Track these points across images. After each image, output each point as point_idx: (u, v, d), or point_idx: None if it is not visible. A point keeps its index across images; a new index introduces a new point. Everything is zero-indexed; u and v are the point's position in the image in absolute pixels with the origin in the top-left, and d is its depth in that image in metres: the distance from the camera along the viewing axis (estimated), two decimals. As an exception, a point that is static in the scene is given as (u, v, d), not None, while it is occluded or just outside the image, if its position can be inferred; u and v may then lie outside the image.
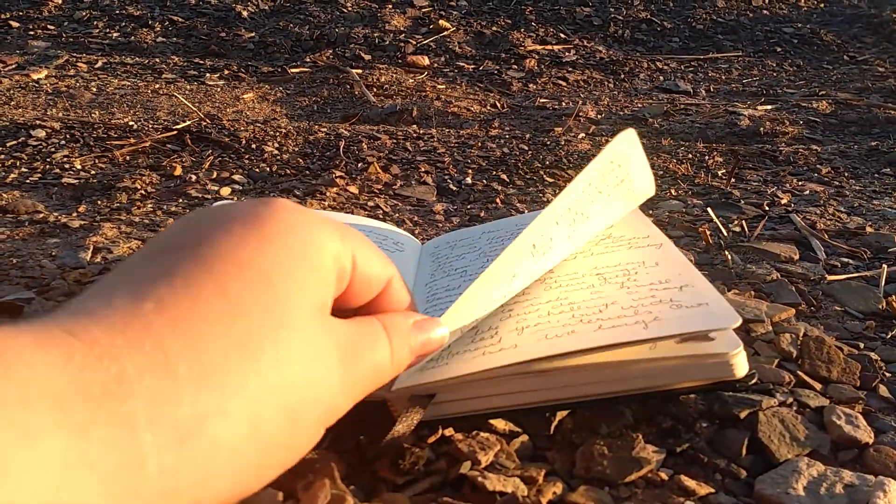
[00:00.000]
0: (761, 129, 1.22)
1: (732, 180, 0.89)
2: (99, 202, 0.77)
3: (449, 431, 0.36)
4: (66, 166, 0.88)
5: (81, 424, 0.18)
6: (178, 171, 0.88)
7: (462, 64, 1.82)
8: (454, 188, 0.86)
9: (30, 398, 0.18)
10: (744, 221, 0.72)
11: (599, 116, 1.37)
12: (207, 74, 1.64)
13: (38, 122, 1.03)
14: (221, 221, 0.25)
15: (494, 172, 0.91)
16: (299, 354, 0.24)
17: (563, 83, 1.71)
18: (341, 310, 0.30)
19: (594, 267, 0.44)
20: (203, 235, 0.25)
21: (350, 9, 2.15)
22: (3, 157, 0.91)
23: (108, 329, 0.21)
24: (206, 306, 0.22)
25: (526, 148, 1.01)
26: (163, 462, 0.20)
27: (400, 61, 1.81)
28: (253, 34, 1.97)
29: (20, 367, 0.18)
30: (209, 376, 0.21)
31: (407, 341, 0.31)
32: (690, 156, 1.00)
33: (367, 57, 1.82)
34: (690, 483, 0.34)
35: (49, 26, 1.94)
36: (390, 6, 2.15)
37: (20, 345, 0.19)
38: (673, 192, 0.86)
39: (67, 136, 0.99)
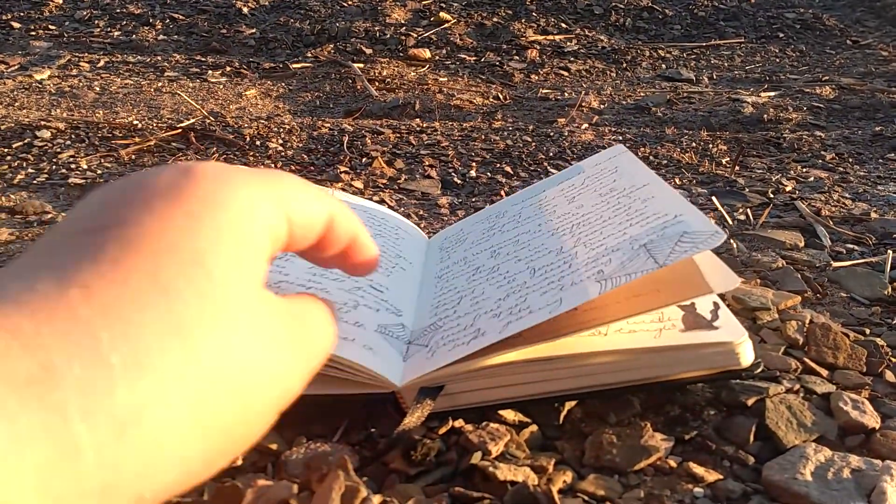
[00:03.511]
0: (765, 115, 1.22)
1: (737, 168, 0.89)
2: (106, 202, 0.78)
3: (459, 423, 0.37)
4: (73, 166, 0.89)
5: (8, 411, 0.17)
6: (184, 169, 0.88)
7: (463, 56, 1.82)
8: (458, 181, 0.86)
9: None
10: (748, 209, 0.72)
11: (602, 106, 1.37)
12: (209, 72, 1.64)
13: (42, 122, 1.04)
14: (142, 197, 0.24)
15: (498, 165, 0.92)
16: (244, 338, 0.23)
17: (566, 73, 1.70)
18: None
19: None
20: (125, 214, 0.23)
21: (350, 3, 2.15)
22: (9, 158, 0.92)
23: (32, 316, 0.19)
24: (138, 292, 0.21)
25: (529, 139, 1.02)
26: (101, 453, 0.19)
27: (401, 55, 1.81)
28: (254, 30, 1.97)
29: None
30: (145, 364, 0.20)
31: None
32: (694, 144, 1.00)
33: (369, 51, 1.82)
34: (699, 470, 0.35)
35: (50, 26, 1.95)
36: (390, -1, 2.15)
37: None
38: (677, 180, 0.86)
39: (72, 136, 0.99)
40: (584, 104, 1.36)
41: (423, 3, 2.15)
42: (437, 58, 1.81)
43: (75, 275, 0.21)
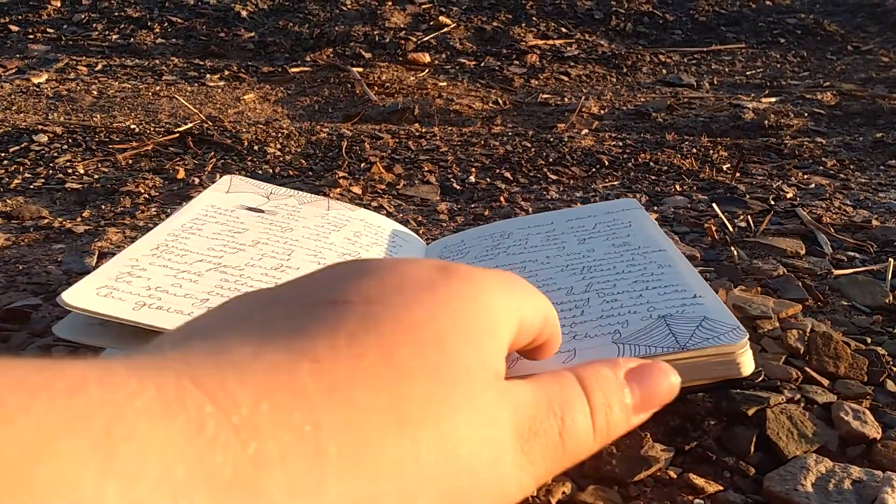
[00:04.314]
0: (766, 122, 1.22)
1: (737, 174, 0.89)
2: (103, 206, 0.77)
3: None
4: (69, 171, 0.88)
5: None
6: (182, 174, 0.88)
7: (463, 60, 1.82)
8: (458, 187, 0.86)
9: (138, 497, 0.14)
10: (749, 216, 0.72)
11: (602, 112, 1.37)
12: (208, 75, 1.64)
13: (39, 126, 1.04)
14: (394, 281, 0.23)
15: (498, 170, 0.91)
16: (467, 431, 0.21)
17: (566, 78, 1.70)
18: None
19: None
20: (374, 293, 0.22)
21: (349, 6, 2.15)
22: (6, 162, 0.91)
23: (255, 390, 0.17)
24: (369, 372, 0.19)
25: (529, 145, 1.01)
26: None
27: (401, 59, 1.81)
28: (252, 34, 1.97)
29: (133, 446, 0.15)
30: (362, 458, 0.18)
31: (618, 398, 0.25)
32: (695, 150, 0.99)
33: (368, 55, 1.82)
34: (699, 481, 0.34)
35: (48, 30, 1.94)
36: (390, 3, 2.15)
37: (140, 409, 0.15)
38: (677, 187, 0.85)
39: (69, 140, 0.99)
40: (584, 109, 1.35)
41: (423, 7, 2.15)
42: (437, 62, 1.81)
43: (309, 347, 0.19)
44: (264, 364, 0.18)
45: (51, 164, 0.90)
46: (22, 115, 1.25)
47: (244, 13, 2.08)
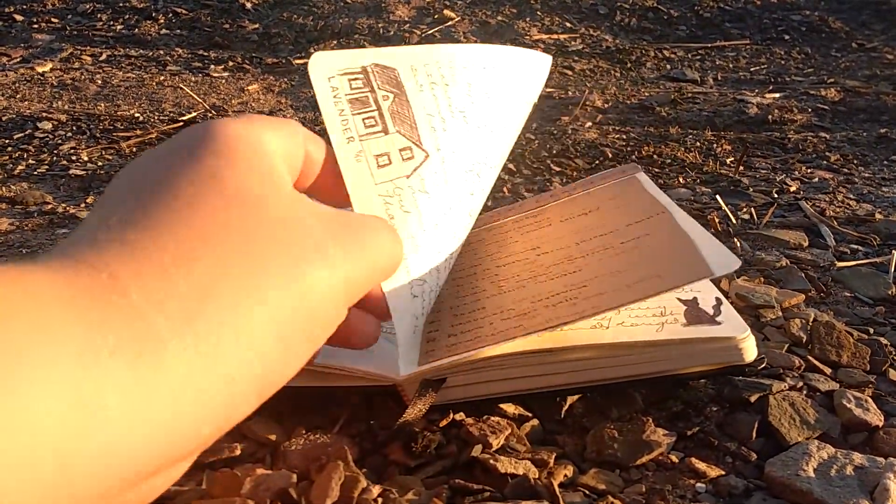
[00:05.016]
0: (770, 116, 1.22)
1: (741, 168, 0.89)
2: (107, 193, 0.77)
3: (460, 416, 0.36)
4: (73, 158, 0.89)
5: (92, 318, 0.19)
6: (186, 162, 0.88)
7: (467, 54, 1.81)
8: (461, 177, 0.85)
9: (35, 296, 0.19)
10: (753, 209, 0.72)
11: (606, 105, 1.36)
12: (212, 66, 1.63)
13: (44, 114, 1.04)
14: (168, 144, 0.26)
15: (501, 161, 0.91)
16: (277, 235, 0.24)
17: (570, 72, 1.70)
18: None
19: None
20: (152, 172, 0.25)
21: (354, -1, 2.14)
22: (10, 149, 0.91)
23: (115, 255, 0.21)
24: (153, 217, 0.23)
25: (532, 136, 1.01)
26: (182, 337, 0.21)
27: (405, 52, 1.81)
28: (257, 25, 1.96)
29: (11, 273, 0.19)
30: (191, 258, 0.22)
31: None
32: (698, 144, 0.99)
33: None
34: (701, 465, 0.34)
35: (53, 19, 1.94)
36: (395, -4, 2.15)
37: (3, 269, 0.20)
38: (681, 179, 0.85)
39: (74, 128, 0.99)
40: (588, 103, 1.35)
41: (428, 0, 2.15)
42: (441, 55, 1.81)
43: (113, 212, 0.23)
44: (88, 234, 0.22)
45: (55, 151, 0.91)
46: (26, 102, 1.25)
47: (248, 5, 2.07)
